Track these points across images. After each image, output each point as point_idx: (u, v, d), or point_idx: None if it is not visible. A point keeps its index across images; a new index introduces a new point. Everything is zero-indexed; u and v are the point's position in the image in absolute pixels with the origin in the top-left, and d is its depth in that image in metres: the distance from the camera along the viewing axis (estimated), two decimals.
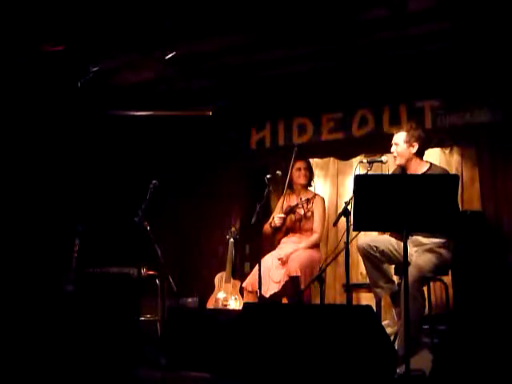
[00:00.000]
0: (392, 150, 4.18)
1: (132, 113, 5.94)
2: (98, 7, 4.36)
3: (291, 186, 5.04)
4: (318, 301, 4.67)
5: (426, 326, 4.06)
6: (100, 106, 5.87)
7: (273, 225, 4.90)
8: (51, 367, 3.94)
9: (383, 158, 4.21)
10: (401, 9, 4.23)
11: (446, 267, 4.07)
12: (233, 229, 5.57)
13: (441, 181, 3.36)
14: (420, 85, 5.14)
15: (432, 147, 5.00)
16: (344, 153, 5.57)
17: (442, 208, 3.19)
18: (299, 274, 4.55)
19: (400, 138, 4.14)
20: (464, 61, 4.92)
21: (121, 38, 4.81)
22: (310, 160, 5.24)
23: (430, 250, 3.94)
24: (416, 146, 4.09)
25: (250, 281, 4.77)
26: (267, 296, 4.58)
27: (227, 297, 5.23)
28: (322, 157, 5.73)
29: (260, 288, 4.41)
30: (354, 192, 3.38)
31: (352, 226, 3.42)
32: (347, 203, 3.85)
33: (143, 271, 4.95)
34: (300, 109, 5.70)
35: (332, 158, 5.75)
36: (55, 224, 5.47)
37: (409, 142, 4.10)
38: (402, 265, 3.39)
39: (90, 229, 5.26)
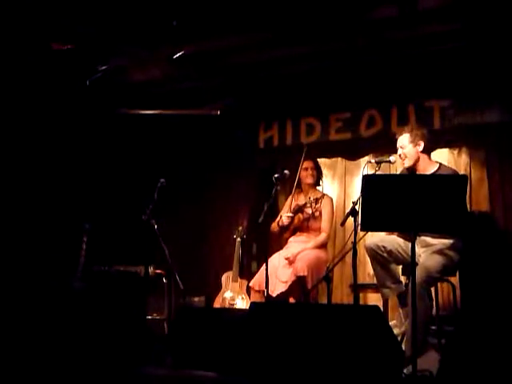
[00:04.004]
0: (398, 153, 4.18)
1: (140, 111, 5.95)
2: (107, 6, 4.38)
3: (300, 186, 5.04)
4: (324, 301, 4.66)
5: (433, 327, 4.06)
6: (108, 104, 5.88)
7: (280, 223, 4.89)
8: (57, 365, 3.95)
9: (391, 158, 4.20)
10: (411, 7, 4.22)
11: (453, 268, 4.06)
12: (240, 228, 5.56)
13: (449, 181, 3.35)
14: (429, 84, 5.10)
15: (440, 147, 5.00)
16: (352, 153, 5.55)
17: (450, 209, 3.18)
18: (306, 273, 4.54)
19: (404, 140, 4.14)
20: (474, 60, 4.89)
21: (129, 37, 4.82)
22: (318, 160, 5.23)
23: (438, 251, 3.93)
24: (422, 144, 4.10)
25: (257, 280, 4.76)
26: (274, 295, 4.58)
27: (234, 296, 5.23)
28: (329, 157, 5.71)
29: (267, 287, 4.41)
30: (362, 192, 3.38)
31: (360, 226, 3.42)
32: (355, 203, 3.85)
33: (150, 270, 4.96)
34: (308, 108, 5.67)
35: (340, 158, 5.72)
36: (63, 222, 5.48)
37: (414, 142, 4.10)
38: (410, 265, 3.39)
39: (98, 227, 5.28)
